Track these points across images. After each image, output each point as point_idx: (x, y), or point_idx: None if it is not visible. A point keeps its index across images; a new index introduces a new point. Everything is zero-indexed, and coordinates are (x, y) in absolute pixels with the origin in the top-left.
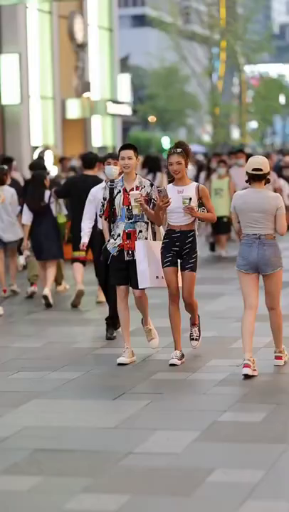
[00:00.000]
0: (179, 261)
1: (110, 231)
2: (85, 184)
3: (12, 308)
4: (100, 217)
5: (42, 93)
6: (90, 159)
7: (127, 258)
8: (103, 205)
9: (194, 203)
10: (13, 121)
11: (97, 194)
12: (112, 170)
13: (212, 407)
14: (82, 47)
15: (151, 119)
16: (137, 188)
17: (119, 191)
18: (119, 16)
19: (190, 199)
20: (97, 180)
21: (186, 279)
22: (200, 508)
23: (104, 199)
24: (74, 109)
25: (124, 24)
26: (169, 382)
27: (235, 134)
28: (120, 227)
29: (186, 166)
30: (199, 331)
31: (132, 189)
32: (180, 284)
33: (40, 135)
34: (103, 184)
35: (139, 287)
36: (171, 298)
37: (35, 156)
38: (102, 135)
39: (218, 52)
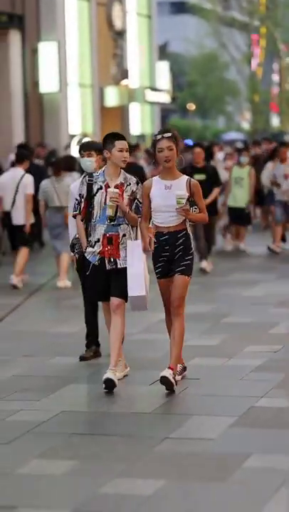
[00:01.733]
0: (170, 267)
1: (88, 235)
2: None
3: (49, 294)
4: (74, 217)
5: (80, 81)
6: (130, 146)
7: (108, 267)
8: (79, 203)
9: (186, 202)
10: (52, 109)
11: (75, 190)
12: (87, 163)
13: (249, 392)
14: (120, 34)
15: (190, 106)
16: (122, 185)
17: (100, 187)
18: (158, 2)
19: (187, 199)
20: (137, 168)
21: (176, 283)
22: (235, 493)
23: (81, 196)
24: (112, 97)
25: (163, 11)
26: (206, 367)
27: (275, 121)
28: (99, 231)
29: (177, 155)
30: (175, 376)
31: (116, 186)
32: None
33: (78, 123)
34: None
35: (130, 294)
36: (167, 312)
37: (74, 143)
38: (141, 123)
39: (257, 38)
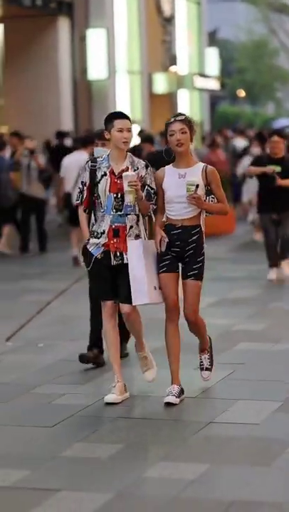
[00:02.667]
0: (180, 266)
1: (90, 227)
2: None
3: None
4: (77, 207)
5: (129, 68)
6: (152, 137)
7: (114, 262)
8: (81, 192)
9: (201, 191)
10: (100, 96)
11: (69, 166)
12: (101, 153)
13: None
14: (169, 20)
15: (240, 93)
16: (128, 170)
17: (105, 174)
18: None
19: (196, 186)
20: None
21: (188, 290)
22: (279, 478)
23: (83, 184)
24: (161, 84)
25: None
26: (251, 352)
27: None
28: (105, 222)
29: (191, 141)
30: (211, 358)
31: (122, 171)
32: (181, 296)
33: (127, 110)
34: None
35: (133, 303)
36: (168, 314)
37: None
38: (190, 110)
39: None
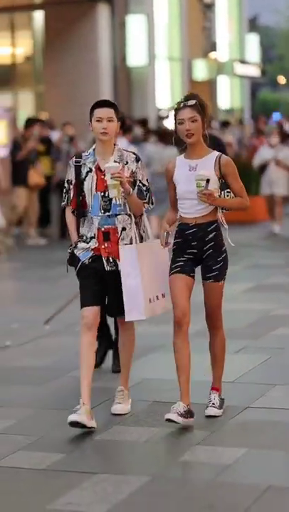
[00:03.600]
0: (195, 269)
1: (79, 230)
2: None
3: None
4: (64, 208)
5: (169, 54)
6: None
7: (108, 268)
8: (67, 192)
9: (214, 185)
10: (140, 82)
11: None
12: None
13: None
14: (209, 7)
15: (280, 79)
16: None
17: (90, 170)
18: None
19: (207, 181)
20: (217, 140)
21: (208, 292)
22: None
23: (69, 182)
24: (201, 70)
25: None
26: None
27: None
28: (93, 225)
29: (204, 128)
30: (222, 399)
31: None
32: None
33: (167, 97)
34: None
35: (126, 319)
36: (176, 324)
37: (164, 114)
38: (230, 97)
39: None
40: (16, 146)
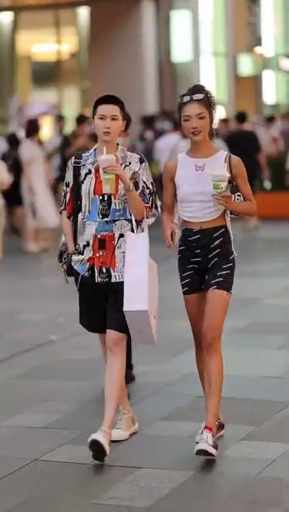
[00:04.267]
0: (203, 280)
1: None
2: (244, 139)
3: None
4: (60, 213)
5: (214, 49)
6: (243, 114)
7: (98, 279)
8: (64, 195)
9: (226, 187)
10: (185, 78)
11: (162, 149)
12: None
13: None
14: (254, 1)
15: None
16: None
17: (89, 171)
18: None
19: (229, 181)
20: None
21: (210, 300)
22: None
23: (67, 184)
24: (246, 65)
25: None
26: None
27: None
28: (89, 231)
29: (212, 123)
30: (215, 440)
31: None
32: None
33: (212, 92)
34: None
35: (125, 308)
36: (196, 340)
37: None
38: (276, 92)
39: None
40: (65, 142)
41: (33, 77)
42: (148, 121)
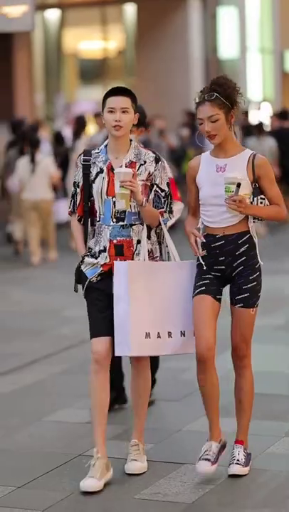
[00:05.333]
0: (222, 290)
1: (86, 241)
2: (286, 137)
3: None
4: (70, 215)
5: (261, 46)
6: (285, 112)
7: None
8: (73, 196)
9: (246, 190)
10: (232, 75)
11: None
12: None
13: None
14: None
15: None
16: (132, 164)
17: (100, 170)
18: None
19: (238, 184)
20: None
21: (236, 318)
22: None
23: (76, 185)
24: None
25: None
26: None
27: None
28: (104, 235)
29: (230, 123)
30: (248, 454)
31: (125, 166)
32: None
33: (258, 89)
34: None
35: (116, 353)
36: (199, 361)
37: (252, 109)
38: None
39: None
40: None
41: (80, 74)
42: (189, 118)
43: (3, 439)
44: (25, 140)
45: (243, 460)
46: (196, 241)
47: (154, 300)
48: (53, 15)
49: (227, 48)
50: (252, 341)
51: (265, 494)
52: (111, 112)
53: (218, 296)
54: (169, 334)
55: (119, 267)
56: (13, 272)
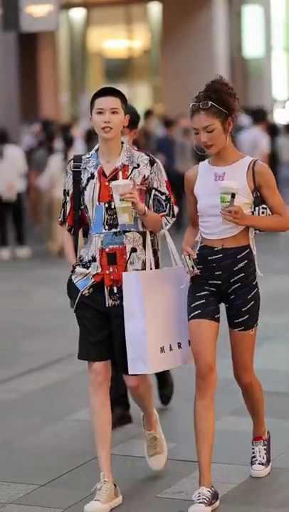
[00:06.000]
0: (219, 307)
1: (77, 250)
2: None
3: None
4: (61, 225)
5: (286, 45)
6: None
7: (109, 303)
8: (64, 205)
9: (245, 199)
10: (257, 74)
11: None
12: None
13: None
14: None
15: None
16: (125, 168)
17: (92, 176)
18: None
19: (232, 195)
20: None
21: (236, 342)
22: None
23: (66, 192)
24: None
25: None
26: None
27: None
28: (95, 244)
29: (228, 131)
30: (268, 450)
31: (115, 171)
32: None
33: (284, 88)
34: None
35: (129, 372)
36: (198, 383)
37: (277, 108)
38: None
39: None
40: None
41: (104, 73)
42: None
43: (25, 438)
44: (52, 139)
45: (265, 459)
46: (190, 258)
47: (165, 311)
48: (78, 14)
49: (252, 47)
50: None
51: (287, 493)
52: (100, 113)
53: (216, 316)
54: (179, 345)
55: (130, 278)
56: (44, 269)
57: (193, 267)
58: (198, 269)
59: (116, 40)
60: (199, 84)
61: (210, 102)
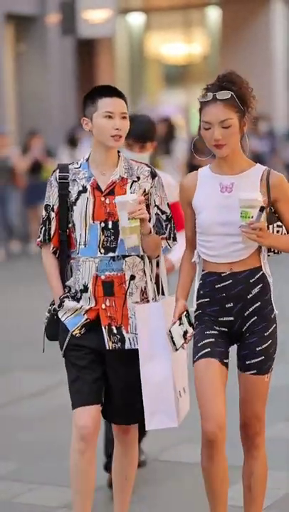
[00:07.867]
0: (229, 351)
1: (64, 279)
2: None
3: None
4: (41, 247)
5: None
6: None
7: (110, 346)
8: (44, 222)
9: (264, 216)
10: None
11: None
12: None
13: None
14: None
15: None
16: (123, 181)
17: (83, 189)
18: None
19: (260, 209)
20: None
21: (248, 390)
22: None
23: (49, 208)
24: None
25: None
26: None
27: None
28: (86, 270)
29: (243, 131)
30: None
31: (112, 185)
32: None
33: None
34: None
35: (148, 428)
36: (209, 444)
37: None
38: None
39: None
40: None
41: (163, 78)
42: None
43: (53, 439)
44: None
45: None
46: (187, 315)
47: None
48: (136, 19)
49: None
50: None
51: None
52: (109, 117)
53: (225, 361)
54: (184, 389)
55: (147, 312)
56: None
57: (183, 341)
58: (204, 303)
59: (174, 45)
60: (257, 90)
61: (230, 92)
